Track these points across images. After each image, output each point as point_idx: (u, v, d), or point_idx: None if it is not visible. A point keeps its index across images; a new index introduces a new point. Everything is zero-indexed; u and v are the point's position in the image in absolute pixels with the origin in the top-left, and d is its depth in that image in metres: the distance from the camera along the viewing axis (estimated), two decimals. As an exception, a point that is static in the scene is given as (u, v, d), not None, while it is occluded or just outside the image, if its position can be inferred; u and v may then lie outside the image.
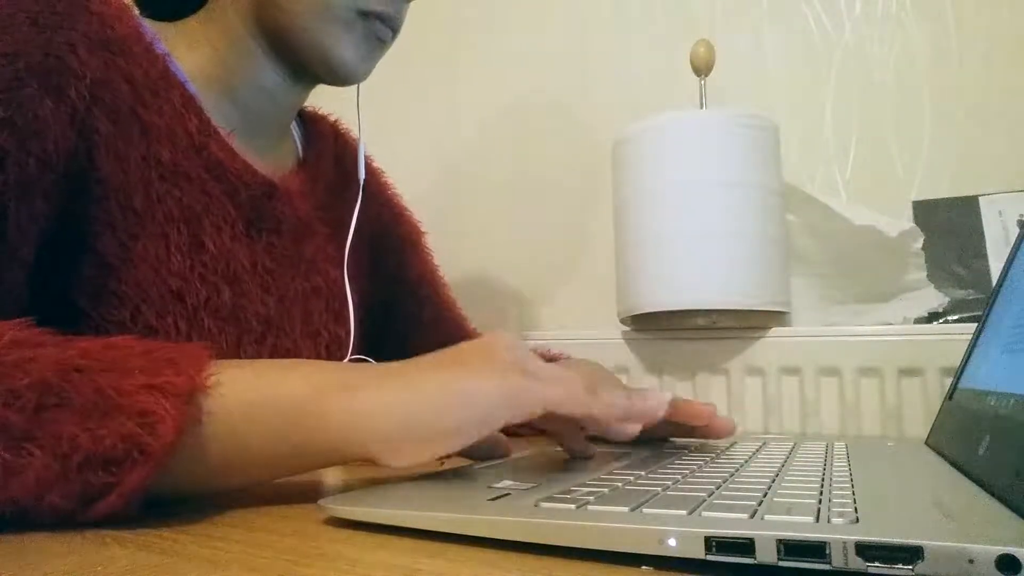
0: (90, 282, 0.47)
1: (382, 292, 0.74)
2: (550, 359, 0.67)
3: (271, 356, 0.55)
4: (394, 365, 0.37)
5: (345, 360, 0.60)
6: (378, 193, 0.74)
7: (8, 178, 0.42)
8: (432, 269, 0.79)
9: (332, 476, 0.46)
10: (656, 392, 0.41)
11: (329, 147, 0.69)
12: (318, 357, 0.59)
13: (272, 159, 0.61)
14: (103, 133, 0.47)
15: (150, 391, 0.30)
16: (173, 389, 0.30)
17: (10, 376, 0.29)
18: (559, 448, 0.49)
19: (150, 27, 0.52)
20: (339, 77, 0.57)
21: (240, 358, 0.52)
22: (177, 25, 0.56)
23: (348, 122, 0.73)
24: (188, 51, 0.55)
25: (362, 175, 0.66)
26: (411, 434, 0.33)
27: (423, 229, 0.79)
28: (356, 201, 0.65)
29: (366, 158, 0.71)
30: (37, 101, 0.43)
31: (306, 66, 0.57)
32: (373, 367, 0.37)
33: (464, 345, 0.38)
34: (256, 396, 0.33)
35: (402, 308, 0.76)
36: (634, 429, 0.40)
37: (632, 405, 0.39)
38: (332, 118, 0.72)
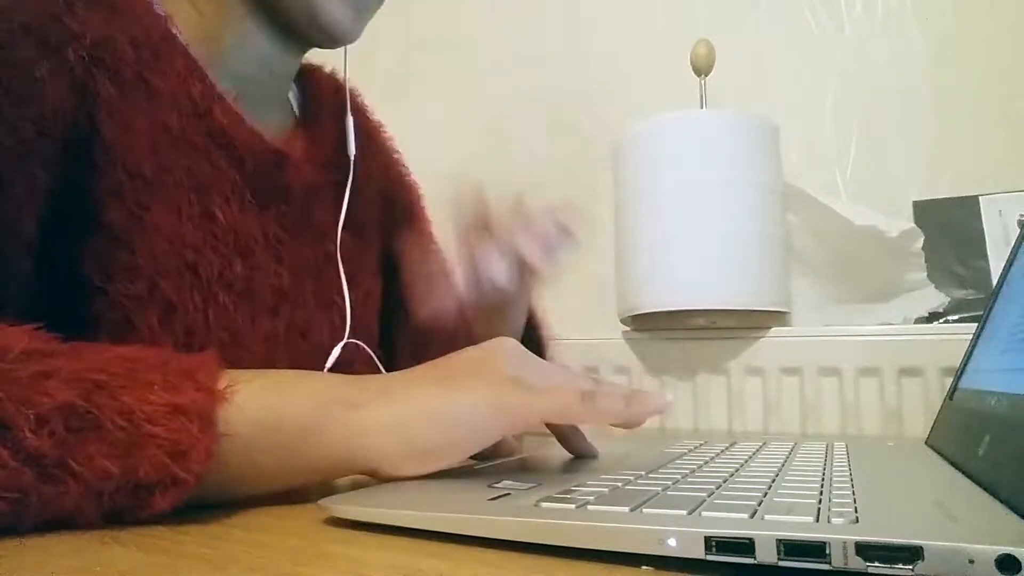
0: (101, 256, 0.45)
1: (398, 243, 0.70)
2: None
3: (286, 329, 0.54)
4: (395, 379, 0.38)
5: (343, 340, 0.57)
6: (385, 145, 0.71)
7: (1, 145, 0.39)
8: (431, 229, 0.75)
9: (332, 476, 0.46)
10: (656, 395, 0.41)
11: (330, 102, 0.65)
12: (331, 327, 0.57)
13: (270, 127, 0.58)
14: (104, 96, 0.44)
15: (175, 415, 0.30)
16: (196, 409, 0.31)
17: (31, 400, 0.29)
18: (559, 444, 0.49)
19: None
20: (329, 36, 0.54)
21: (255, 332, 0.51)
22: None
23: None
24: (174, 16, 0.51)
25: (351, 140, 0.63)
26: (409, 450, 0.35)
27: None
28: (353, 159, 0.62)
29: (368, 112, 0.69)
30: (33, 62, 0.40)
31: (295, 27, 0.54)
32: (375, 381, 0.38)
33: (463, 354, 0.39)
34: (263, 415, 0.33)
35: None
36: (638, 422, 0.40)
37: (631, 414, 0.39)
38: (328, 68, 0.67)
